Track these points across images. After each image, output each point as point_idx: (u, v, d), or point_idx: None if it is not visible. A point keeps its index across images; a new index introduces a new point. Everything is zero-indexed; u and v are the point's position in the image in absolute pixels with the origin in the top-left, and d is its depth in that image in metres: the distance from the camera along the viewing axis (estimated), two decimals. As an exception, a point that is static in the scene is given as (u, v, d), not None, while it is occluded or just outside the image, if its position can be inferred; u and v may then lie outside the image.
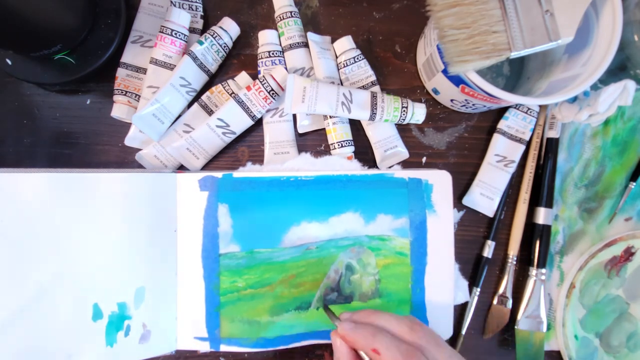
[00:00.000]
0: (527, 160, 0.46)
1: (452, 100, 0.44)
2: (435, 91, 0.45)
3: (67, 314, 0.37)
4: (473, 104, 0.42)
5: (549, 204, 0.45)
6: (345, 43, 0.45)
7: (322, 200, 0.42)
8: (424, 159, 0.47)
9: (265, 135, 0.45)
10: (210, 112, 0.44)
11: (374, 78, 0.45)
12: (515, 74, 0.47)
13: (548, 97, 0.37)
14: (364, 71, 0.45)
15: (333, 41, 0.46)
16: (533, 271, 0.45)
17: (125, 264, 0.39)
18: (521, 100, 0.36)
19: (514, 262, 0.45)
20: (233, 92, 0.44)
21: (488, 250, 0.45)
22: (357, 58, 0.45)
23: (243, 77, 0.45)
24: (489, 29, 0.34)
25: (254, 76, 0.46)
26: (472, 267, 0.46)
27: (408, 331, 0.33)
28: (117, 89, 0.43)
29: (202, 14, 0.45)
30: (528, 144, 0.46)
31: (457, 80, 0.39)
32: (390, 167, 0.45)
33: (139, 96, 0.43)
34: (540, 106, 0.46)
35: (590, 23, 0.37)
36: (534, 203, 0.46)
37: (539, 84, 0.43)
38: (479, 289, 0.45)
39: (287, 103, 0.42)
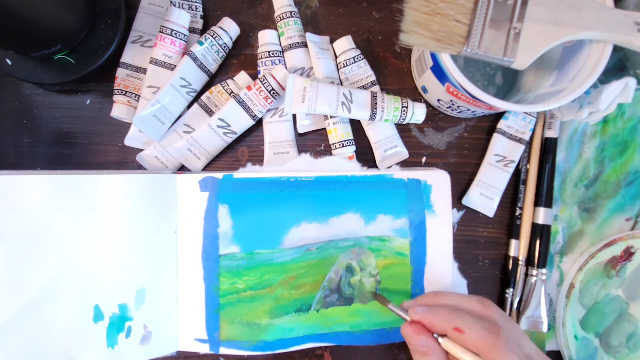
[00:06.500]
0: (531, 160, 0.46)
1: (439, 101, 0.44)
2: (425, 90, 0.45)
3: (68, 315, 0.37)
4: (458, 107, 0.42)
5: (549, 204, 0.45)
6: (345, 43, 0.45)
7: (322, 201, 0.42)
8: (424, 159, 0.47)
9: (266, 135, 0.45)
10: (210, 113, 0.44)
11: (374, 78, 0.45)
12: (508, 85, 0.47)
13: (526, 105, 0.37)
14: (364, 71, 0.45)
15: (333, 41, 0.46)
16: (533, 271, 0.45)
17: (126, 266, 0.39)
18: (498, 104, 0.36)
19: (523, 264, 0.45)
20: (233, 92, 0.44)
21: (515, 251, 0.45)
22: (357, 58, 0.45)
23: (242, 77, 0.45)
24: (453, 15, 0.34)
25: (254, 76, 0.45)
26: (472, 267, 0.46)
27: (481, 307, 0.32)
28: (117, 89, 0.43)
29: (202, 14, 0.45)
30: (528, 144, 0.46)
31: (443, 78, 0.39)
32: (389, 168, 0.45)
33: (139, 96, 0.43)
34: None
35: (584, 41, 0.37)
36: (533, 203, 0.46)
37: (527, 96, 0.43)
38: (511, 290, 0.45)
39: (288, 103, 0.42)
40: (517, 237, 0.46)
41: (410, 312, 0.33)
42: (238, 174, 0.42)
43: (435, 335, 0.32)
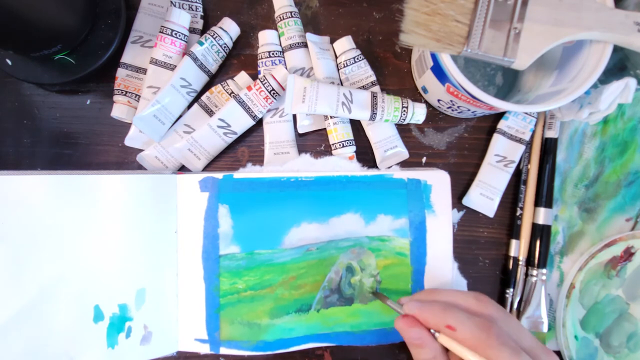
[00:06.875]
0: (531, 161, 0.46)
1: (439, 101, 0.44)
2: (425, 90, 0.45)
3: (68, 315, 0.37)
4: (458, 107, 0.42)
5: (549, 204, 0.45)
6: (345, 43, 0.45)
7: (322, 201, 0.42)
8: (424, 159, 0.47)
9: (266, 135, 0.45)
10: (210, 113, 0.44)
11: (374, 78, 0.45)
12: (508, 85, 0.47)
13: (526, 105, 0.37)
14: (364, 71, 0.45)
15: (333, 41, 0.46)
16: (533, 271, 0.45)
17: (126, 266, 0.39)
18: (498, 104, 0.36)
19: (523, 264, 0.45)
20: (233, 92, 0.44)
21: (515, 251, 0.46)
22: (357, 58, 0.45)
23: (242, 77, 0.45)
24: (453, 15, 0.34)
25: (254, 76, 0.45)
26: (472, 267, 0.46)
27: (476, 303, 0.33)
28: (117, 89, 0.43)
29: (202, 14, 0.45)
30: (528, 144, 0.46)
31: (443, 78, 0.39)
32: (389, 168, 0.45)
33: (139, 96, 0.43)
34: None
35: (584, 41, 0.37)
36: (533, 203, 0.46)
37: (527, 96, 0.43)
38: (511, 290, 0.45)
39: (288, 103, 0.42)
40: (517, 237, 0.46)
41: (405, 307, 0.34)
42: (238, 174, 0.42)
43: (432, 330, 0.33)
